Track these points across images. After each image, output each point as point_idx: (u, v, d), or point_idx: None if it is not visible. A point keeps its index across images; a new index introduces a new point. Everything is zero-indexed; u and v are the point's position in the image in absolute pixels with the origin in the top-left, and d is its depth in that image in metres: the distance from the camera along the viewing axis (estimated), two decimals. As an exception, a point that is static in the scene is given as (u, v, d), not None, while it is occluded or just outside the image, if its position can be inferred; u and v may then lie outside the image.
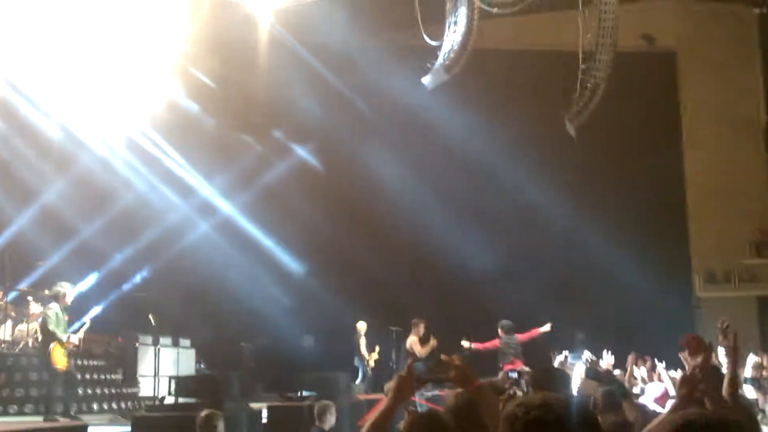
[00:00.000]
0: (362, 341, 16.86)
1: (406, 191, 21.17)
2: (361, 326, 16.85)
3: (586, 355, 14.15)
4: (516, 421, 2.13)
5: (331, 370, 15.00)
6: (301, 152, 20.58)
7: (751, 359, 13.06)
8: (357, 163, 21.29)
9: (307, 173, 20.69)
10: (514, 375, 9.83)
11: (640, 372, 12.79)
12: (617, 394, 6.10)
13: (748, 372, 12.56)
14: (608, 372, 9.85)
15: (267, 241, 19.29)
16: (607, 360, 10.49)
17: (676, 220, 25.84)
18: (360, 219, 21.45)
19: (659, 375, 11.90)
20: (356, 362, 16.98)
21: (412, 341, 15.75)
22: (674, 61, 27.41)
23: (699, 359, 4.03)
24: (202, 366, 16.44)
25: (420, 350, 15.55)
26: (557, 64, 22.70)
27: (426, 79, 20.40)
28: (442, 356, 3.59)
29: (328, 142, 20.93)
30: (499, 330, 15.06)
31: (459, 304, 20.55)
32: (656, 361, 13.23)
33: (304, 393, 13.17)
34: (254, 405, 12.69)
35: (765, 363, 13.59)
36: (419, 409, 7.76)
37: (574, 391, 8.26)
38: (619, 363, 14.53)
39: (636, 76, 24.00)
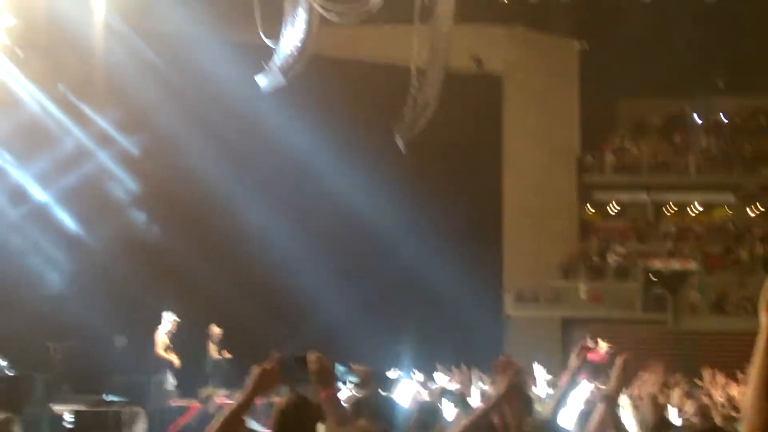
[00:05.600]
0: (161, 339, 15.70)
1: (233, 192, 20.80)
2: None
3: (417, 375, 14.42)
4: None
5: (143, 374, 14.43)
6: (126, 143, 19.67)
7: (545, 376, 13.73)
8: (184, 158, 20.66)
9: (131, 165, 19.81)
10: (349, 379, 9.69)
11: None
12: (432, 411, 6.12)
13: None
14: (461, 392, 10.00)
15: (83, 234, 18.26)
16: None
17: (492, 239, 26.86)
18: (183, 218, 20.80)
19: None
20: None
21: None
22: (500, 85, 28.52)
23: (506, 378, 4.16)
24: (3, 365, 15.26)
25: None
26: (391, 77, 23.09)
27: (261, 80, 20.17)
28: (309, 354, 3.44)
29: (155, 134, 20.16)
30: None
31: (277, 309, 20.37)
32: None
33: (112, 398, 12.57)
34: (59, 408, 11.99)
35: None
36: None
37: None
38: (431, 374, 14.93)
39: (464, 96, 24.73)
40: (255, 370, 3.29)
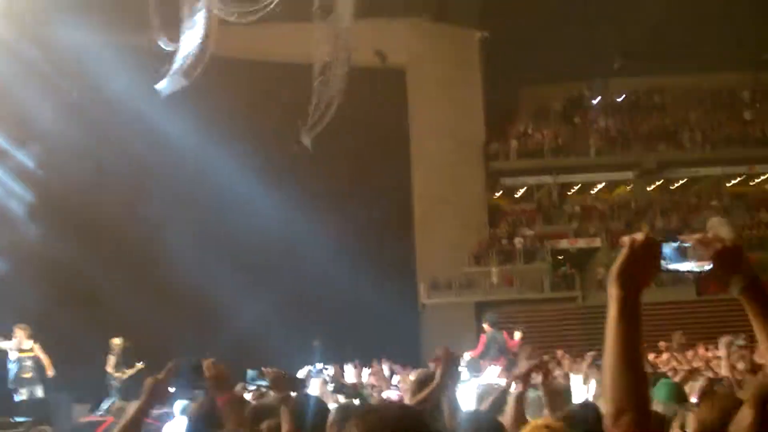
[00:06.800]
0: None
1: (135, 201, 20.43)
2: None
3: (328, 371, 14.49)
4: None
5: (50, 392, 14.02)
6: (20, 155, 19.10)
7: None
8: (81, 167, 20.14)
9: (26, 178, 19.24)
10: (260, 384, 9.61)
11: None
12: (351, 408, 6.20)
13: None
14: (354, 386, 10.03)
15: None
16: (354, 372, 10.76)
17: (404, 231, 27.15)
18: (84, 228, 20.29)
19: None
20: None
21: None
22: (404, 77, 28.76)
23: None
24: None
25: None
26: (294, 75, 23.03)
27: (161, 84, 19.84)
28: (205, 362, 3.48)
29: (50, 145, 19.58)
30: (485, 324, 14.36)
31: (186, 319, 20.09)
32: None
33: (18, 419, 12.19)
34: (-40, 433, 11.60)
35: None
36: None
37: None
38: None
39: (369, 91, 24.84)
40: (148, 381, 3.31)
